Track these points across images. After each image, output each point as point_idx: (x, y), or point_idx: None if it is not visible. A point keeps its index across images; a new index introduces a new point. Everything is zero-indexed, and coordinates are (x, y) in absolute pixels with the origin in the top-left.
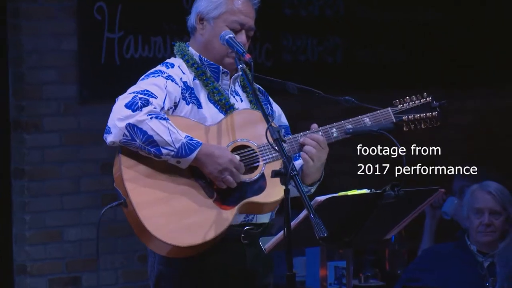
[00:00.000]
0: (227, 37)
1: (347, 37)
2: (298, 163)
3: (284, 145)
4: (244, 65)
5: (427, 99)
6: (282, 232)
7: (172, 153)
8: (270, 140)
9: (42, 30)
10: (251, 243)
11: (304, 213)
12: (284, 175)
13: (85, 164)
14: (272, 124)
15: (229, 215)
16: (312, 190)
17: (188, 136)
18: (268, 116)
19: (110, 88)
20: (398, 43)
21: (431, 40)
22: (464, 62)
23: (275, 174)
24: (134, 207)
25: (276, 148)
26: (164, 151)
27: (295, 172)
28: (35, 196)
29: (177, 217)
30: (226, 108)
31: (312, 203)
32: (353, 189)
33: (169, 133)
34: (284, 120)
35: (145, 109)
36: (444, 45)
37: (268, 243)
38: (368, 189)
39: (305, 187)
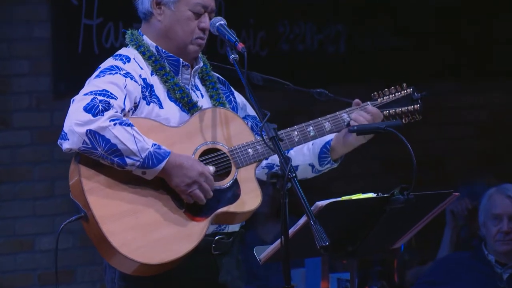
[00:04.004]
0: (217, 24)
1: (351, 24)
2: (324, 138)
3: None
4: (237, 56)
5: (408, 90)
6: (279, 240)
7: (138, 163)
8: (267, 138)
9: (12, 16)
10: (223, 254)
11: (303, 219)
12: (281, 177)
13: (59, 165)
14: (241, 120)
15: (202, 227)
16: (335, 166)
17: (155, 144)
18: (264, 114)
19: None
20: (408, 30)
21: (444, 26)
22: (480, 51)
23: (271, 176)
24: (97, 221)
25: (272, 147)
26: (128, 161)
27: (293, 174)
28: (4, 201)
29: (145, 232)
30: (188, 106)
31: (312, 208)
32: (358, 192)
33: (134, 141)
34: (250, 111)
35: (107, 114)
36: (458, 32)
37: (263, 253)
38: (374, 193)
39: (328, 164)
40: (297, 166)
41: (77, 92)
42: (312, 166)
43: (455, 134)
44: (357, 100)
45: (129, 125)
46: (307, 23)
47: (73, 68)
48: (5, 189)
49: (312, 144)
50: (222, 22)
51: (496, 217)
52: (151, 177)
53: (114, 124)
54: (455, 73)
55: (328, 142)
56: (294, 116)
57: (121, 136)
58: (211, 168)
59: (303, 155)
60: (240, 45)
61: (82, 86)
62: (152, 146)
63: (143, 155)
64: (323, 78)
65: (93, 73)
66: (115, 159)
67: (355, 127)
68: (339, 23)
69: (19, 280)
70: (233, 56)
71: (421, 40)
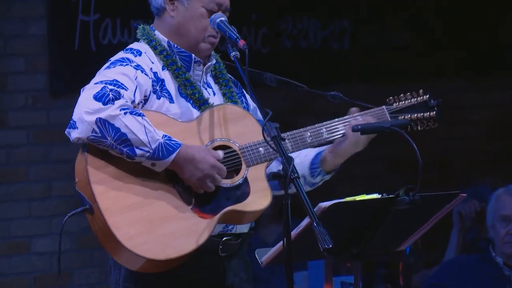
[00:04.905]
0: (218, 20)
1: (356, 20)
2: (316, 149)
3: (284, 142)
4: (238, 53)
5: (424, 97)
6: (281, 243)
7: (148, 154)
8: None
9: (7, 13)
10: (230, 256)
11: (306, 221)
12: (283, 177)
13: (56, 165)
14: (253, 118)
15: (209, 224)
16: (328, 178)
17: (166, 136)
18: (266, 112)
19: (84, 78)
20: (414, 27)
21: (449, 24)
22: (488, 47)
23: (273, 176)
24: (102, 214)
25: (274, 147)
26: (138, 151)
27: (296, 175)
28: None
29: (151, 226)
30: (199, 103)
31: (315, 209)
32: (362, 193)
33: (145, 131)
34: (260, 115)
35: (118, 103)
36: (463, 31)
37: (265, 256)
38: (379, 194)
39: (319, 176)
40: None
41: (74, 90)
42: (304, 177)
43: (461, 134)
44: (354, 109)
45: (140, 115)
46: (311, 19)
47: (69, 66)
48: (0, 189)
49: (305, 155)
50: (222, 18)
51: (504, 219)
52: (161, 169)
53: (125, 113)
54: (460, 72)
55: (320, 153)
56: (296, 115)
57: (132, 125)
58: (220, 153)
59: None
60: (241, 42)
61: (79, 83)
62: (162, 137)
63: (153, 146)
64: (327, 76)
65: (96, 69)
66: (125, 149)
67: (359, 126)
68: (344, 19)
69: (15, 283)
70: (234, 54)
71: (426, 38)
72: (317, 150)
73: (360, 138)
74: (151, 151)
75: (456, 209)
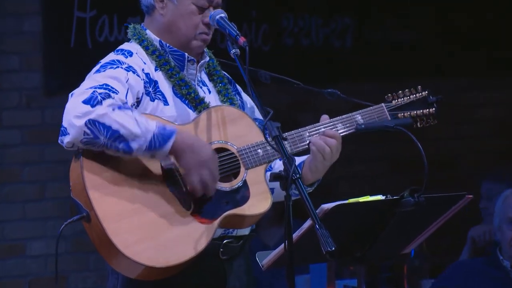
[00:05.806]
0: (217, 17)
1: (358, 17)
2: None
3: (285, 142)
4: (238, 50)
5: (423, 93)
6: (282, 245)
7: (144, 146)
8: (269, 137)
9: (1, 9)
10: (231, 258)
11: (308, 223)
12: (284, 178)
13: (51, 165)
14: (250, 119)
15: (209, 230)
16: (310, 190)
17: (159, 124)
18: (266, 110)
19: (80, 76)
20: (418, 24)
21: (455, 19)
22: (493, 45)
23: (274, 177)
24: (100, 220)
25: (275, 147)
26: (134, 145)
27: (298, 175)
28: None
29: (150, 233)
30: (195, 102)
31: (317, 211)
32: (366, 195)
33: (136, 124)
34: (258, 114)
35: (106, 102)
36: (469, 25)
37: (266, 259)
38: (383, 195)
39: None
40: (273, 189)
41: (69, 89)
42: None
43: (462, 133)
44: (325, 116)
45: (129, 108)
46: (312, 16)
47: (65, 64)
48: None
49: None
50: (222, 15)
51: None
52: (161, 158)
53: (113, 109)
54: (461, 72)
55: (299, 165)
56: (296, 112)
57: (122, 120)
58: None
59: None
60: (242, 39)
61: (74, 82)
62: (156, 126)
63: (148, 137)
64: (329, 74)
65: (92, 67)
66: (120, 146)
67: (363, 126)
68: (346, 16)
69: (9, 287)
70: (234, 51)
71: (427, 37)
72: (301, 159)
73: (325, 152)
74: (146, 142)
75: (471, 234)
